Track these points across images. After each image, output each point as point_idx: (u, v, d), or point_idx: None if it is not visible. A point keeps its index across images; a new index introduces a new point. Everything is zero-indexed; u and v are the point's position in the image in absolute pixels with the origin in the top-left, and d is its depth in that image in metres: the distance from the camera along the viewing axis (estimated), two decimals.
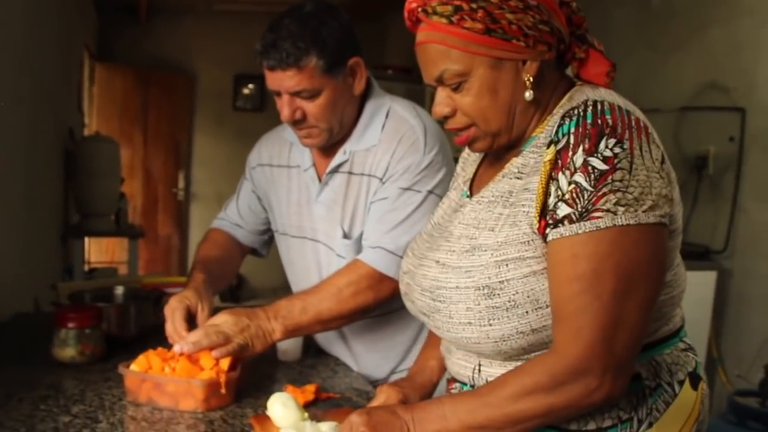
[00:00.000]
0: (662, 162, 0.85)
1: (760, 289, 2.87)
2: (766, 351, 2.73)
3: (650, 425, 0.90)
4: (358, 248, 1.37)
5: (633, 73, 3.43)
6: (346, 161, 1.39)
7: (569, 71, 0.98)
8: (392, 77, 4.69)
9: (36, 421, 1.07)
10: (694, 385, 0.96)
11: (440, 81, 0.92)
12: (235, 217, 1.62)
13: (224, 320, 1.24)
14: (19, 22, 2.31)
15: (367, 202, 1.37)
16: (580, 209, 0.82)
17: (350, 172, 1.39)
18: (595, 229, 0.81)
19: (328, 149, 1.41)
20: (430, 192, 1.32)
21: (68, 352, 1.34)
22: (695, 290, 2.91)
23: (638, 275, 0.82)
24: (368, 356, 1.47)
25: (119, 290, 1.67)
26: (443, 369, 1.14)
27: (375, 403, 1.10)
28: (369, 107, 1.39)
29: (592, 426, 0.90)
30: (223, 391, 1.17)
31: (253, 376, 1.31)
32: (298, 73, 1.26)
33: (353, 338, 1.48)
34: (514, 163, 0.94)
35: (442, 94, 0.93)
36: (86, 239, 4.67)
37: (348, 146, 1.38)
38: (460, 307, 0.91)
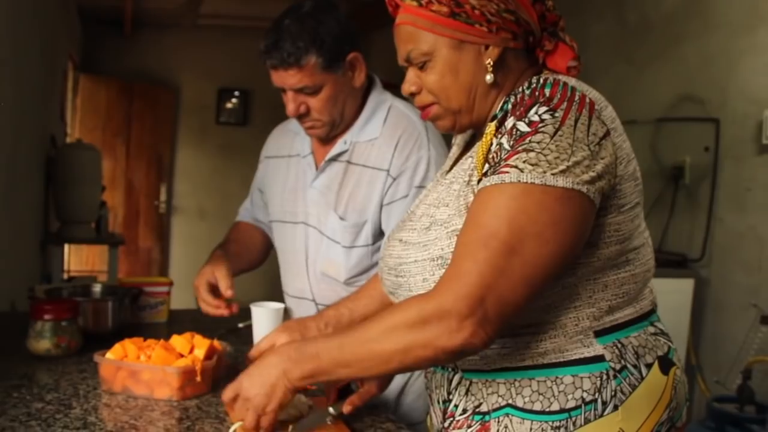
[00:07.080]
0: (603, 138, 0.85)
1: (736, 296, 2.91)
2: (744, 357, 2.75)
3: (615, 408, 0.89)
4: (355, 232, 1.42)
5: (610, 86, 3.48)
6: (345, 151, 1.45)
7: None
8: None
9: (8, 407, 1.06)
10: (665, 370, 0.94)
11: (408, 60, 0.98)
12: (250, 214, 1.72)
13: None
14: (2, 29, 2.31)
15: (370, 192, 1.41)
16: (494, 165, 0.86)
17: (349, 162, 1.45)
18: (500, 182, 0.83)
19: (328, 139, 1.48)
20: None
21: (43, 344, 1.32)
22: (673, 298, 2.98)
23: (533, 235, 0.81)
24: None
25: (97, 287, 1.67)
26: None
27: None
28: (371, 101, 1.46)
29: (555, 407, 0.89)
30: (198, 379, 1.16)
31: (230, 367, 1.30)
32: (300, 71, 1.33)
33: None
34: (476, 146, 0.98)
35: (411, 74, 0.99)
36: (66, 248, 4.62)
37: (349, 137, 1.45)
38: (418, 279, 0.94)
